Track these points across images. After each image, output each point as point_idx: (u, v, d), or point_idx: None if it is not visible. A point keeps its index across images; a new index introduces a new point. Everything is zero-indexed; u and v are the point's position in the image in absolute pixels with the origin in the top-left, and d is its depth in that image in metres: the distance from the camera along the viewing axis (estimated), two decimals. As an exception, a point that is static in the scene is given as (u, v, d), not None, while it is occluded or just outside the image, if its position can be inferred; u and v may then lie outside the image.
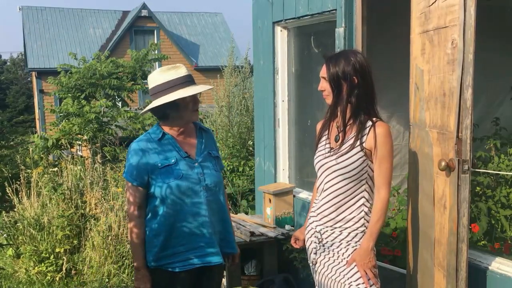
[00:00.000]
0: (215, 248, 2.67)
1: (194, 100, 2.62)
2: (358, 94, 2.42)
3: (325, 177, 2.50)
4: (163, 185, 2.55)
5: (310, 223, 2.62)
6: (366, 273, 2.40)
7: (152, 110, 2.61)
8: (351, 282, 2.45)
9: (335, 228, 2.50)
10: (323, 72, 2.49)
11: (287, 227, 4.39)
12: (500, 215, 3.54)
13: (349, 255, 2.47)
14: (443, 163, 2.40)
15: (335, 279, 2.51)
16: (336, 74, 2.42)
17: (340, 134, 2.48)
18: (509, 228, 3.50)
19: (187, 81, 2.59)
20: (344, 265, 2.48)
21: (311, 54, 4.63)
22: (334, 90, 2.45)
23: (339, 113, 2.47)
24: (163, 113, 2.62)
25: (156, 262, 2.61)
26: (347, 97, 2.43)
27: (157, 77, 2.60)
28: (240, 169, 6.56)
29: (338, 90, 2.44)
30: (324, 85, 2.49)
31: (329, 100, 2.50)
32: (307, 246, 2.67)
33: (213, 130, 7.86)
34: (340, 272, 2.49)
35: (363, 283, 2.41)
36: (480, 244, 3.48)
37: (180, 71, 2.60)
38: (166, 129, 2.65)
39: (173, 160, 2.59)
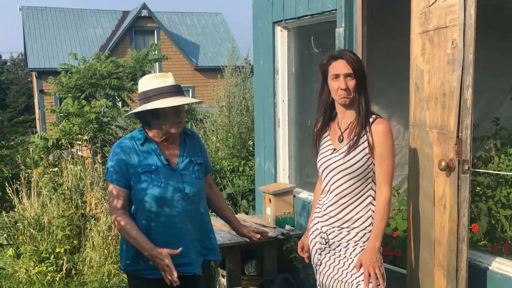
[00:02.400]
0: (190, 258, 2.58)
1: (176, 112, 2.52)
2: (367, 91, 2.44)
3: (331, 178, 2.48)
4: (140, 191, 2.51)
5: (315, 224, 2.60)
6: (374, 274, 2.37)
7: (136, 115, 2.58)
8: (359, 281, 2.43)
9: (343, 228, 2.48)
10: (345, 68, 2.38)
11: (287, 227, 4.39)
12: (500, 215, 3.54)
13: (356, 254, 2.45)
14: (443, 163, 2.40)
15: (341, 279, 2.49)
16: (362, 67, 2.40)
17: (343, 134, 2.48)
18: (509, 228, 3.50)
19: (173, 91, 2.52)
20: (350, 264, 2.46)
21: (311, 54, 4.63)
22: (361, 85, 2.39)
23: (356, 110, 2.42)
24: (146, 120, 2.57)
25: (133, 266, 2.57)
26: (365, 92, 2.42)
27: (144, 83, 2.54)
28: (240, 169, 6.55)
29: (363, 84, 2.41)
30: (349, 83, 2.39)
31: (348, 100, 2.42)
32: (311, 247, 2.64)
33: (213, 130, 7.85)
34: (347, 273, 2.48)
35: (370, 282, 2.39)
36: (480, 244, 3.48)
37: (167, 80, 2.54)
38: (150, 134, 2.60)
39: (153, 167, 2.53)
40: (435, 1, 2.53)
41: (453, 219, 2.42)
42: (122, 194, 2.53)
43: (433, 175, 2.59)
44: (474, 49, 2.30)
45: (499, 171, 3.65)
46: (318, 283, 2.64)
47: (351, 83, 2.39)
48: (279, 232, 4.27)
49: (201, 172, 2.70)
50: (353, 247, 2.47)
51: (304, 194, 4.53)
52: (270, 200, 4.44)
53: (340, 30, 3.64)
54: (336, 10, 3.71)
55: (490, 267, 2.71)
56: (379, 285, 2.39)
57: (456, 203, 2.40)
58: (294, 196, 4.51)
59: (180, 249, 2.43)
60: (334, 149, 2.49)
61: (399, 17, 3.43)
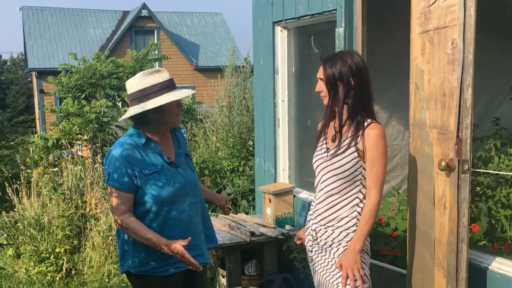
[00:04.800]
0: (201, 249, 2.67)
1: (178, 104, 2.61)
2: (355, 96, 2.43)
3: (321, 177, 2.52)
4: (151, 192, 2.51)
5: (308, 222, 2.65)
6: (352, 275, 2.39)
7: (133, 115, 2.52)
8: (338, 282, 2.46)
9: (328, 227, 2.51)
10: (320, 73, 2.50)
11: (287, 227, 4.40)
12: (500, 215, 3.54)
13: (339, 255, 2.48)
14: (443, 163, 2.40)
15: (325, 278, 2.54)
16: (333, 75, 2.43)
17: (336, 135, 2.49)
18: (509, 228, 3.51)
19: (172, 84, 2.58)
20: (333, 264, 2.50)
21: (311, 54, 4.63)
22: (330, 92, 2.45)
23: (336, 114, 2.48)
24: (145, 118, 2.54)
25: (143, 267, 2.57)
26: (344, 99, 2.43)
27: (141, 80, 2.52)
28: (240, 169, 6.55)
29: (334, 91, 2.44)
30: (321, 86, 2.50)
31: (326, 101, 2.50)
32: (305, 244, 2.69)
33: (213, 130, 7.86)
34: (330, 272, 2.51)
35: (348, 285, 2.41)
36: (480, 244, 3.48)
37: (165, 74, 2.57)
38: (148, 133, 2.59)
39: (159, 166, 2.55)
40: (435, 1, 2.53)
41: (453, 219, 2.42)
42: (129, 199, 2.52)
43: (433, 175, 2.59)
44: (474, 49, 2.31)
45: (499, 171, 3.65)
46: (314, 280, 2.66)
47: (322, 86, 2.48)
48: (279, 232, 4.27)
49: (192, 164, 2.80)
50: (336, 247, 2.49)
51: (304, 194, 4.53)
52: (270, 200, 4.44)
53: (340, 30, 3.64)
54: (336, 10, 3.71)
55: (490, 267, 2.71)
56: (357, 286, 2.40)
57: (456, 203, 2.40)
58: (294, 196, 4.51)
59: (190, 238, 2.45)
60: (327, 149, 2.51)
61: (399, 17, 3.43)
